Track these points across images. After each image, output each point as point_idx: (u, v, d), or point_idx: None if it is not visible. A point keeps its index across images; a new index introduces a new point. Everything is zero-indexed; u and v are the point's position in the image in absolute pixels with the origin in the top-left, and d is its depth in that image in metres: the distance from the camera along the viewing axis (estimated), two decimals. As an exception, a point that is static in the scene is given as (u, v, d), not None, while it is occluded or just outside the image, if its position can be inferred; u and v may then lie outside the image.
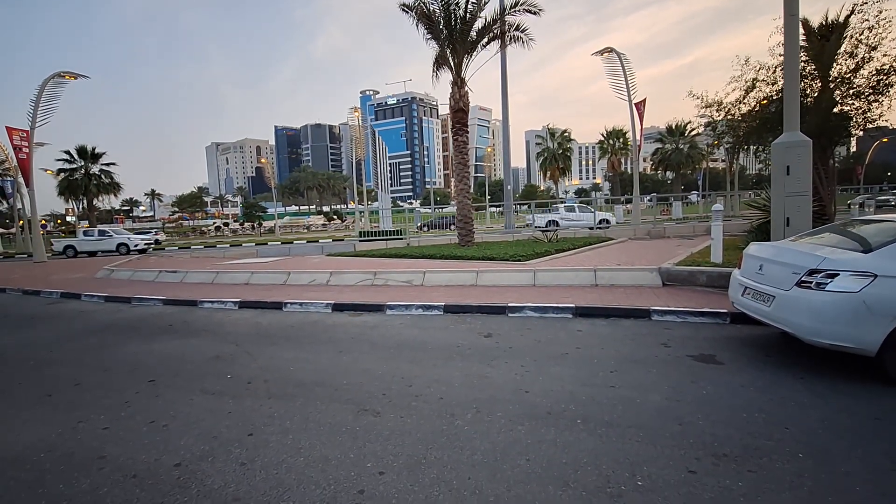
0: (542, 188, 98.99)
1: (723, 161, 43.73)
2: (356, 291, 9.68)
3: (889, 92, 12.21)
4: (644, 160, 64.23)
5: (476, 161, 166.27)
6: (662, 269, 8.71)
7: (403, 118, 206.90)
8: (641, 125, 24.69)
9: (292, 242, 29.41)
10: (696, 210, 38.35)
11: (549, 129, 48.42)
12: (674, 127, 44.72)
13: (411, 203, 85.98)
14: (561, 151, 47.40)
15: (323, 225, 57.93)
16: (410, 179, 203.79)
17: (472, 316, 7.51)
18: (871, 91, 12.12)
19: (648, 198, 45.33)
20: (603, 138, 47.75)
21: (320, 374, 5.19)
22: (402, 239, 20.95)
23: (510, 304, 7.55)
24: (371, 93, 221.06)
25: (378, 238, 21.82)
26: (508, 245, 15.07)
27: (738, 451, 3.27)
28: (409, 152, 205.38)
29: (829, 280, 4.45)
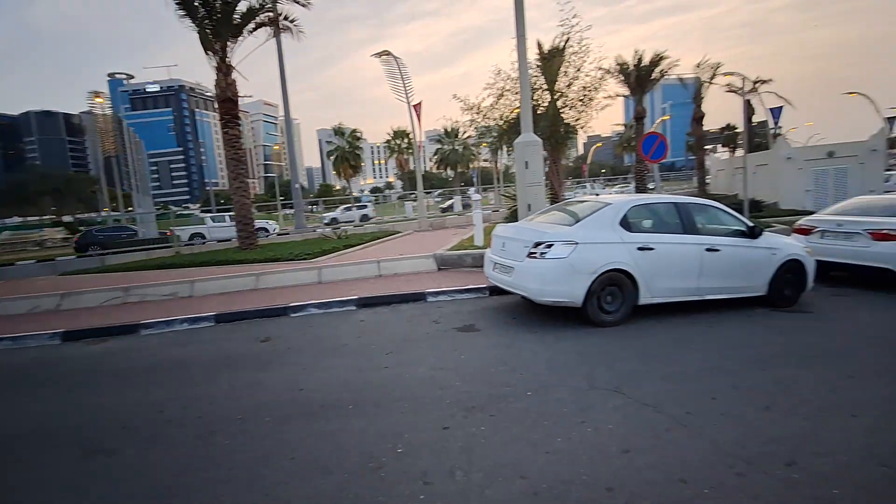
0: (338, 187, 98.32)
1: (485, 161, 50.79)
2: (99, 314, 7.87)
3: (591, 104, 15.84)
4: (430, 159, 69.86)
5: (265, 160, 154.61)
6: (437, 255, 9.56)
7: (171, 109, 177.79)
8: (421, 126, 26.65)
9: (13, 264, 22.34)
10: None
11: (338, 128, 48.28)
12: (449, 129, 49.81)
13: (187, 207, 74.83)
14: (351, 150, 47.88)
15: (65, 238, 45.62)
16: (186, 180, 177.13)
17: (250, 322, 6.89)
18: (580, 103, 15.55)
19: (437, 193, 49.54)
20: (390, 138, 50.15)
21: (39, 420, 4.01)
22: (169, 247, 18.01)
23: (292, 304, 7.20)
24: (124, 77, 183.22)
25: (136, 248, 18.27)
26: (296, 245, 14.43)
27: (485, 401, 3.76)
28: (181, 149, 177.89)
29: (548, 250, 5.52)
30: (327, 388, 4.22)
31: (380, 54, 25.65)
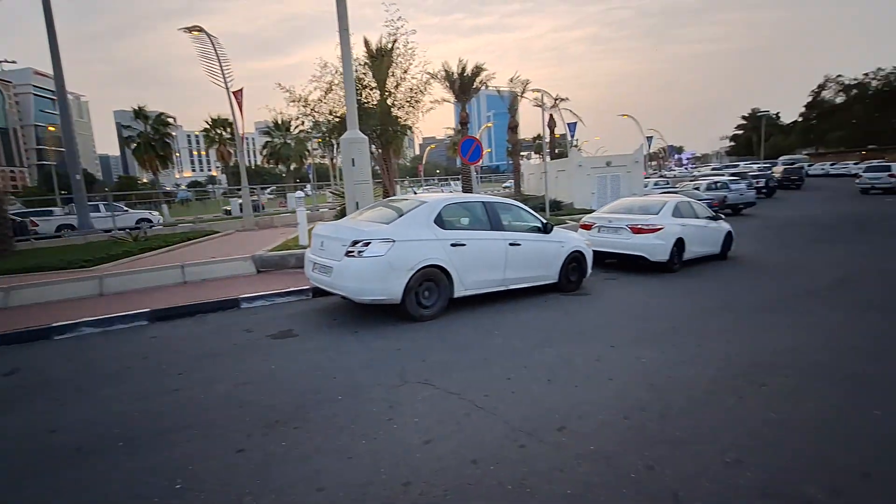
0: (144, 180, 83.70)
1: (323, 156, 49.13)
2: None
3: (419, 106, 16.40)
4: (260, 153, 64.31)
5: (38, 144, 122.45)
6: (256, 256, 8.78)
7: None
8: (243, 115, 24.28)
9: None
10: (310, 202, 41.62)
11: (139, 110, 40.97)
12: (279, 122, 46.61)
13: None
14: (159, 137, 41.08)
15: None
16: None
17: (-12, 352, 5.31)
18: (407, 104, 15.98)
19: (269, 190, 45.87)
20: (209, 126, 44.57)
21: None
22: None
23: (57, 324, 5.78)
24: None
25: None
26: (76, 249, 11.77)
27: (290, 413, 3.51)
28: None
29: (366, 248, 5.47)
30: (91, 426, 3.45)
31: (190, 29, 22.57)
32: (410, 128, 20.11)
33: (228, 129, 44.16)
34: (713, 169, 44.02)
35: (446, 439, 3.08)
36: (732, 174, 27.53)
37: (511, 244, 6.52)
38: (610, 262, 9.66)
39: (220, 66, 22.75)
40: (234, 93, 23.46)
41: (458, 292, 6.06)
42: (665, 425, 3.22)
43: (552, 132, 32.68)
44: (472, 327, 5.56)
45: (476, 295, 6.35)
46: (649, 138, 61.65)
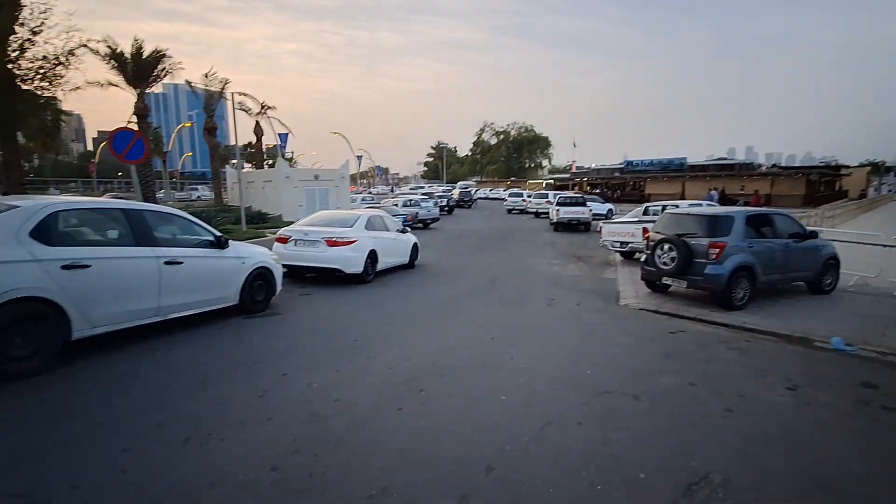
0: None
1: None
2: None
3: (58, 81, 12.37)
4: None
5: None
6: None
7: None
8: None
9: None
10: None
11: None
12: None
13: None
14: None
15: None
16: None
17: None
18: (37, 76, 11.84)
19: None
20: None
21: None
22: None
23: None
24: None
25: None
26: None
27: None
28: None
29: None
30: None
31: None
32: (61, 111, 15.22)
33: None
34: (411, 188, 50.55)
35: None
36: (423, 194, 32.04)
37: (168, 262, 5.21)
38: (310, 276, 9.28)
39: None
40: None
41: (81, 332, 4.39)
42: (316, 466, 2.83)
43: (259, 140, 30.70)
44: (94, 382, 4.06)
45: (120, 331, 4.79)
46: (359, 157, 66.36)
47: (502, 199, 38.45)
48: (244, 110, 30.02)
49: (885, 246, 9.08)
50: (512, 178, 68.71)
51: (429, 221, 23.48)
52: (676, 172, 44.22)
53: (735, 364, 4.86)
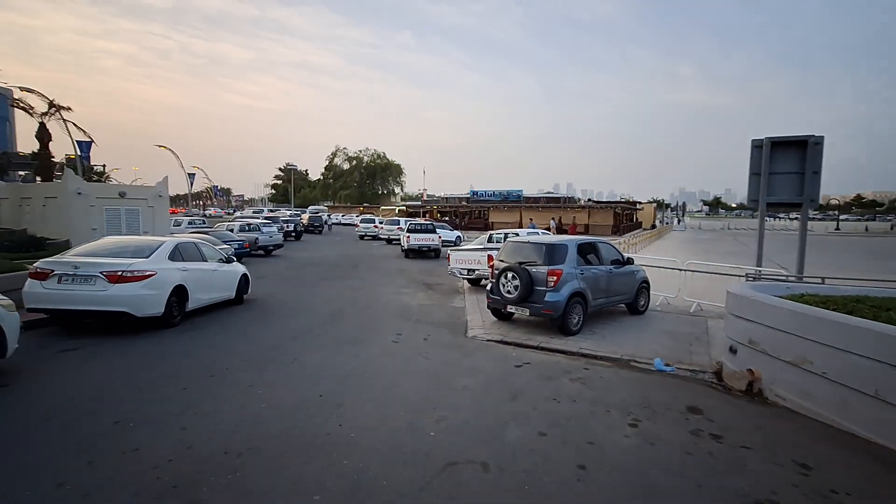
0: None
1: None
2: None
3: None
4: None
5: None
6: None
7: None
8: None
9: None
10: None
11: None
12: None
13: None
14: None
15: None
16: None
17: None
18: None
19: None
20: None
21: None
22: None
23: None
24: None
25: None
26: None
27: None
28: None
29: None
30: None
31: None
32: None
33: None
34: (253, 212, 46.20)
35: None
36: (266, 218, 29.26)
37: None
38: (90, 321, 7.09)
39: None
40: None
41: None
42: None
43: (45, 146, 24.53)
44: None
45: None
46: (191, 175, 58.63)
47: (355, 225, 37.30)
48: (25, 109, 23.91)
49: (681, 270, 10.54)
50: (365, 204, 68.02)
51: (271, 248, 21.25)
52: (515, 203, 48.59)
53: (580, 400, 4.67)
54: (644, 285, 9.34)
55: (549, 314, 7.31)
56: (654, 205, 74.42)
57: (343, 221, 54.09)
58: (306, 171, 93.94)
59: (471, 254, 12.51)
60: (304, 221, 38.16)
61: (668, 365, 6.01)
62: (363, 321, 8.42)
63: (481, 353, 6.55)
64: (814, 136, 8.60)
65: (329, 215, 52.82)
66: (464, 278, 12.68)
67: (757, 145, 9.06)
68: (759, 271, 8.86)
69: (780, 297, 5.34)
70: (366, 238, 32.32)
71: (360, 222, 34.02)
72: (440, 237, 21.68)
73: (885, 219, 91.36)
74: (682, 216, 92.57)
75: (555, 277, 7.34)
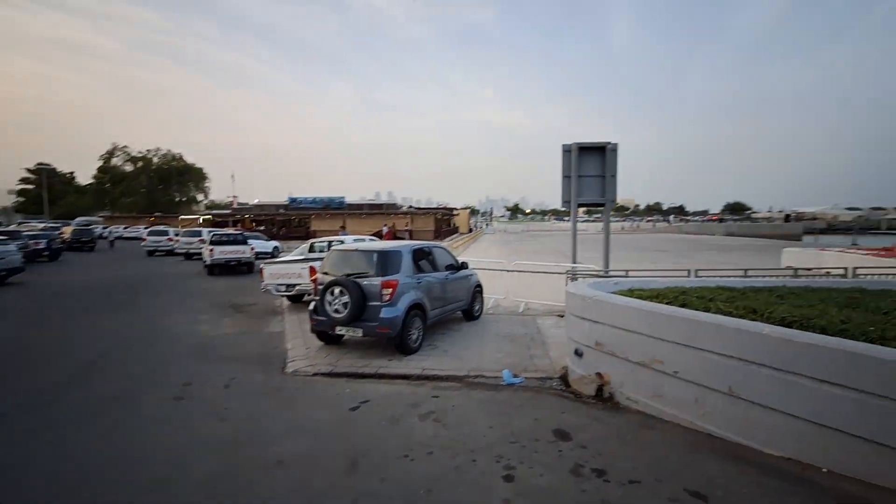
0: None
1: None
2: None
3: None
4: None
5: None
6: None
7: None
8: None
9: None
10: None
11: None
12: None
13: None
14: None
15: None
16: None
17: None
18: None
19: None
20: None
21: None
22: None
23: None
24: None
25: None
26: None
27: None
28: None
29: None
30: None
31: None
32: None
33: None
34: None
35: None
36: (1, 233, 21.68)
37: None
38: None
39: None
40: None
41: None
42: None
43: None
44: None
45: None
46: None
47: (142, 239, 30.60)
48: None
49: (508, 271, 10.72)
50: (157, 214, 57.24)
51: (3, 274, 15.48)
52: (338, 210, 46.71)
53: (438, 449, 3.70)
54: (478, 289, 9.08)
55: (386, 332, 6.29)
56: (468, 210, 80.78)
57: (126, 235, 44.40)
58: (72, 173, 74.86)
59: (290, 266, 10.73)
60: (66, 236, 29.79)
61: (515, 376, 5.57)
62: (134, 370, 6.12)
63: (305, 395, 5.14)
64: (610, 143, 9.52)
65: (105, 227, 42.73)
66: (282, 296, 10.83)
67: (566, 150, 9.64)
68: (575, 268, 9.41)
69: (613, 293, 5.35)
70: (157, 254, 26.72)
71: (149, 235, 27.89)
72: (253, 248, 18.88)
73: (632, 220, 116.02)
74: (490, 220, 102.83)
75: (390, 290, 6.36)
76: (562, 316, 9.04)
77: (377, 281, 6.40)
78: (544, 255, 23.21)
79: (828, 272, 9.81)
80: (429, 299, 7.08)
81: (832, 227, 73.89)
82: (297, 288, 10.40)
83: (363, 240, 12.71)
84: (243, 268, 18.11)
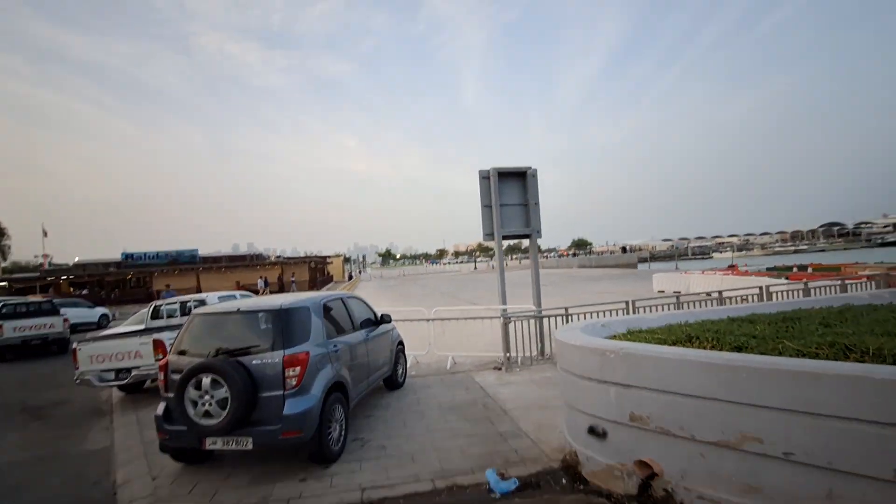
0: None
1: None
2: None
3: None
4: None
5: None
6: None
7: None
8: None
9: None
10: None
11: None
12: None
13: None
14: None
15: None
16: None
17: None
18: None
19: None
20: None
21: None
22: None
23: None
24: None
25: None
26: None
27: None
28: None
29: None
30: None
31: None
32: None
33: None
34: None
35: None
36: None
37: None
38: None
39: None
40: None
41: None
42: None
43: None
44: None
45: None
46: None
47: None
48: None
49: (429, 320, 8.92)
50: (-80, 284, 42.91)
51: None
52: (189, 265, 40.12)
53: None
54: (400, 347, 7.16)
55: (296, 437, 4.02)
56: (342, 258, 77.01)
57: None
58: None
59: (121, 342, 7.48)
60: None
61: (504, 477, 3.80)
62: None
63: None
64: (530, 167, 8.66)
65: None
66: (110, 385, 7.50)
67: (484, 176, 8.49)
68: (506, 310, 8.09)
69: (606, 337, 4.02)
70: None
71: None
72: (67, 320, 14.11)
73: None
74: (364, 267, 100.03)
75: (298, 368, 4.16)
76: (498, 368, 7.56)
77: (276, 357, 4.15)
78: (435, 299, 21.94)
79: (708, 294, 9.82)
80: (350, 374, 4.99)
81: (654, 256, 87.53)
82: (135, 373, 7.25)
83: (233, 296, 9.84)
84: (52, 347, 13.33)
